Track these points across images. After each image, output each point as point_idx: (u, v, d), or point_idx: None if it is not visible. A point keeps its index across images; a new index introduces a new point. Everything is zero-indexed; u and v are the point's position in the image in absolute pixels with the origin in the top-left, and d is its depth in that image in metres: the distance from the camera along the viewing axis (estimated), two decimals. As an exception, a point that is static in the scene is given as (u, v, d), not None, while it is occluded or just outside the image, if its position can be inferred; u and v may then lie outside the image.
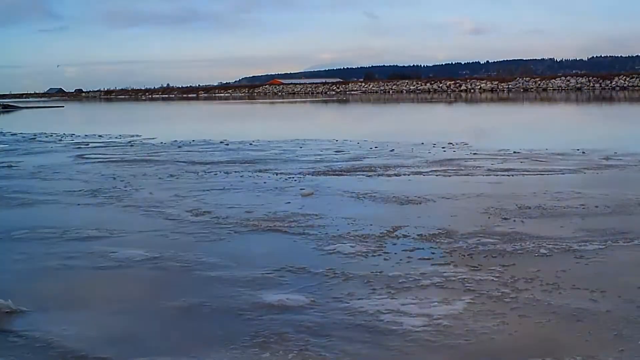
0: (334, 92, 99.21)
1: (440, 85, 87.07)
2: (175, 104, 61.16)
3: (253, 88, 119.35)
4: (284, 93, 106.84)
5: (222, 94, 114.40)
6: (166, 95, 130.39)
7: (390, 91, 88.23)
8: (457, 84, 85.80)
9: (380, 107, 43.53)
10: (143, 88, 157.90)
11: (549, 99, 42.51)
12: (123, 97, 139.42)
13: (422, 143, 12.04)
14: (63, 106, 59.58)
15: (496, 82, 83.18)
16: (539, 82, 78.82)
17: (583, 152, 9.97)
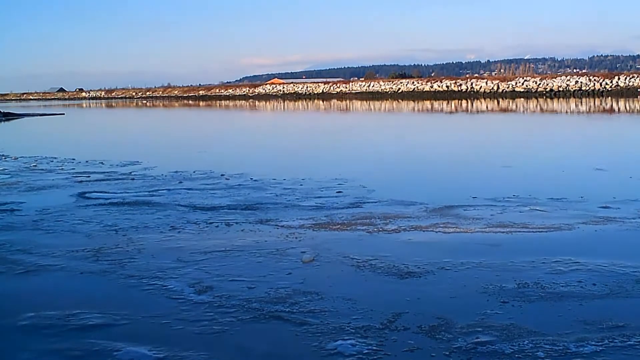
0: (335, 93, 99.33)
1: (440, 84, 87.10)
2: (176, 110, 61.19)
3: (254, 87, 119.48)
4: (283, 93, 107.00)
5: (223, 93, 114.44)
6: (167, 95, 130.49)
7: (390, 91, 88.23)
8: (457, 84, 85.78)
9: (379, 119, 43.61)
10: (144, 87, 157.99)
11: (550, 111, 42.57)
12: (124, 97, 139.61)
13: (422, 180, 12.12)
14: (64, 113, 59.73)
15: (497, 82, 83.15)
16: (539, 82, 78.79)
17: (581, 197, 10.03)
